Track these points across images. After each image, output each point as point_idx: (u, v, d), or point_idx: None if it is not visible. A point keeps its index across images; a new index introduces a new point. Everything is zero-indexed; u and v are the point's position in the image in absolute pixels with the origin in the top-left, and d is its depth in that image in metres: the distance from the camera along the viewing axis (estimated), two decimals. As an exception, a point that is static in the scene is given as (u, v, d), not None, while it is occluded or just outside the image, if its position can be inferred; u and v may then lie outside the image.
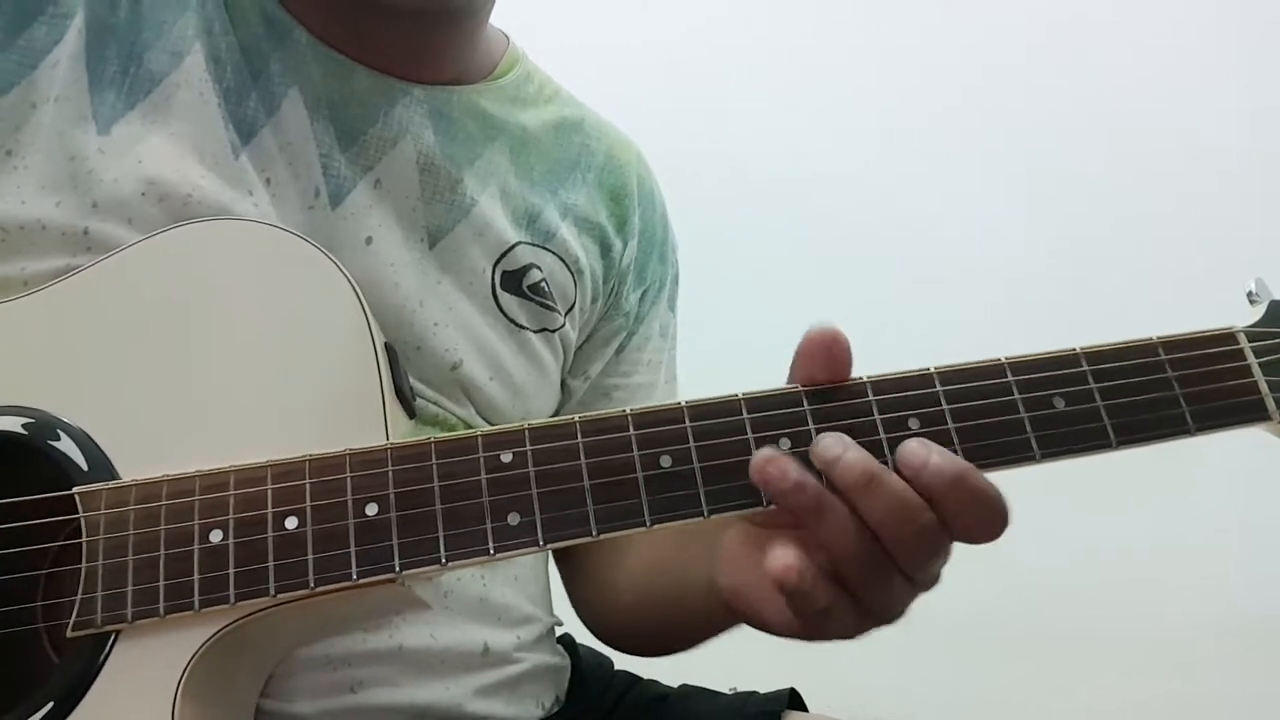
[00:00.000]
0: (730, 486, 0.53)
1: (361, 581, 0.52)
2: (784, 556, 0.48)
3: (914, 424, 0.53)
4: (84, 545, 0.53)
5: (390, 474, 0.53)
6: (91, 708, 0.51)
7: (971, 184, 1.87)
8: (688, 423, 0.54)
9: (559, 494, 0.53)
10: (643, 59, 1.81)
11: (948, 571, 0.52)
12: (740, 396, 0.54)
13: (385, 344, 0.59)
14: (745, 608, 0.55)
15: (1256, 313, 0.56)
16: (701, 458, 0.53)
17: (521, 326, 0.74)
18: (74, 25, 0.65)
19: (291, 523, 0.53)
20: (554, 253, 0.77)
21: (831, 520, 0.49)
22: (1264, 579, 1.75)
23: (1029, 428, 0.53)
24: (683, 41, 1.86)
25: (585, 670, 0.83)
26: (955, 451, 0.51)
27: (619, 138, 0.86)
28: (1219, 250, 1.68)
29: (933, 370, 0.54)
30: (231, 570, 0.52)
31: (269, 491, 0.53)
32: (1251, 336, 0.55)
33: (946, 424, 0.53)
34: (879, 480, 0.49)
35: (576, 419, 0.54)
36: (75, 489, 0.54)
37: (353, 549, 0.52)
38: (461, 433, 0.55)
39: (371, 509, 0.53)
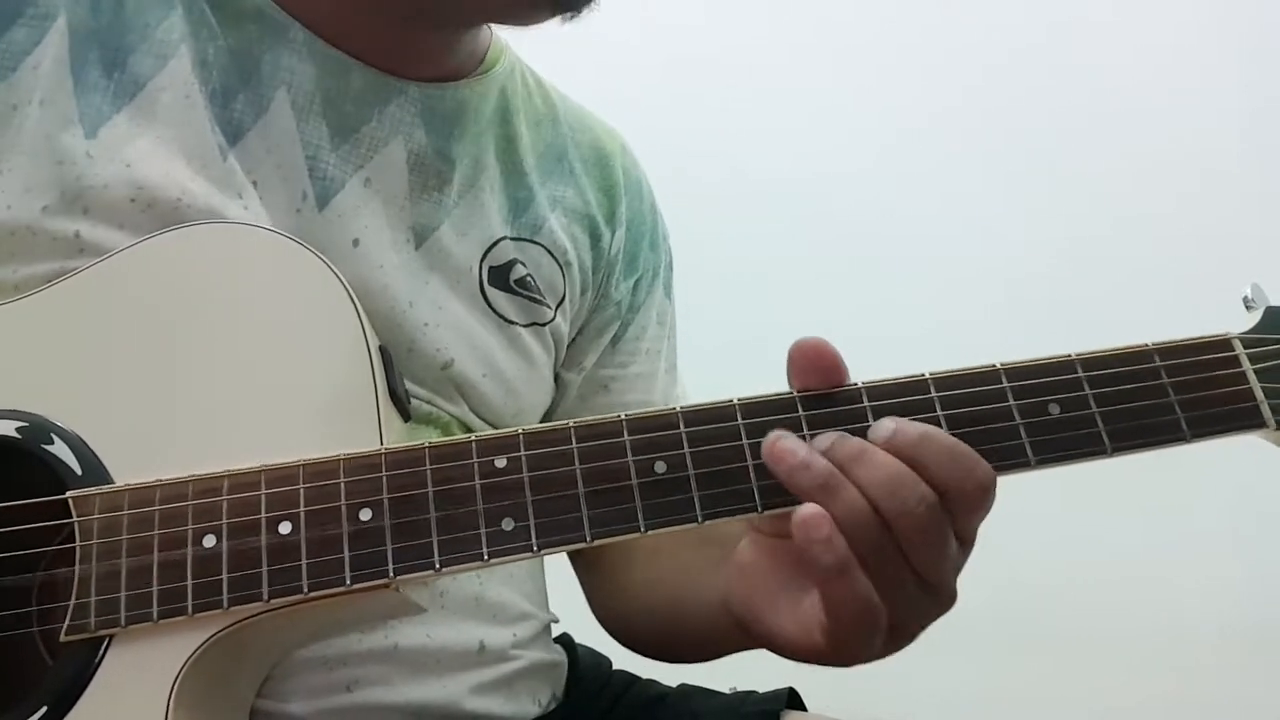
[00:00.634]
0: (725, 492, 0.53)
1: (355, 587, 0.52)
2: (808, 507, 0.49)
3: (909, 430, 0.52)
4: (77, 549, 0.53)
5: (384, 479, 0.53)
6: (85, 711, 0.51)
7: (971, 184, 1.87)
8: (682, 428, 0.53)
9: (553, 500, 0.53)
10: (643, 58, 1.81)
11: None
12: (735, 402, 0.54)
13: (380, 347, 0.58)
14: (758, 618, 0.55)
15: (1252, 319, 0.56)
16: (696, 463, 0.53)
17: (511, 322, 0.74)
18: (56, 27, 0.65)
19: (285, 528, 0.52)
20: (541, 245, 0.77)
21: (841, 497, 0.50)
22: (1265, 580, 1.75)
23: (1024, 434, 0.53)
24: (683, 41, 1.86)
25: (583, 669, 0.82)
26: None
27: (604, 128, 0.86)
28: (1219, 250, 1.68)
29: (928, 376, 0.54)
30: (225, 575, 0.52)
31: (263, 496, 0.53)
32: (1247, 343, 0.55)
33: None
34: (870, 452, 0.50)
35: (571, 424, 0.54)
36: (69, 493, 0.54)
37: (347, 554, 0.52)
38: (456, 438, 0.55)
39: (366, 514, 0.53)
